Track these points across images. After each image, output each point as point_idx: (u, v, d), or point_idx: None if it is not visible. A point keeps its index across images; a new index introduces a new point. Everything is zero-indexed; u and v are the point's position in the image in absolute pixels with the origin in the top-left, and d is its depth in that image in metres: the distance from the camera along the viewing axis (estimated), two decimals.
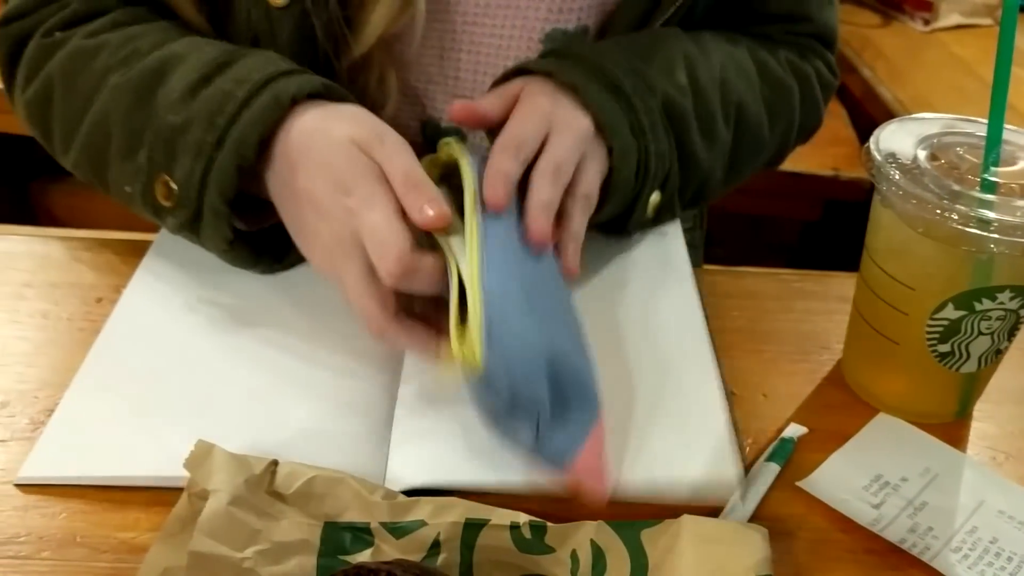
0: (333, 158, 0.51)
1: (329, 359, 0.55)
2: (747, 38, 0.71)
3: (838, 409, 0.57)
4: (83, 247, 0.65)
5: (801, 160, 1.13)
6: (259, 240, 0.59)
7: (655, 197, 0.63)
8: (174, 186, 0.54)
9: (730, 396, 0.56)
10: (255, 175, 0.55)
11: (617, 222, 0.63)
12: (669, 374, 0.55)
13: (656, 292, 0.62)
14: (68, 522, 0.46)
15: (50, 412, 0.51)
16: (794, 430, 0.54)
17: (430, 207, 0.49)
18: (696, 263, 0.66)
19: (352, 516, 0.44)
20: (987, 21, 1.49)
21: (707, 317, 0.60)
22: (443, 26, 0.64)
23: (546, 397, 0.46)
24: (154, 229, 0.66)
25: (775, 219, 1.43)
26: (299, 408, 0.52)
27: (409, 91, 0.68)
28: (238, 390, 0.53)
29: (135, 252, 0.63)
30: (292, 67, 0.55)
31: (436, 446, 0.49)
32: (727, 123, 0.66)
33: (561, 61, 0.60)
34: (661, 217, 0.66)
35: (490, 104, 0.58)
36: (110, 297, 0.60)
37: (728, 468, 0.49)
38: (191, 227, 0.55)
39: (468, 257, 0.48)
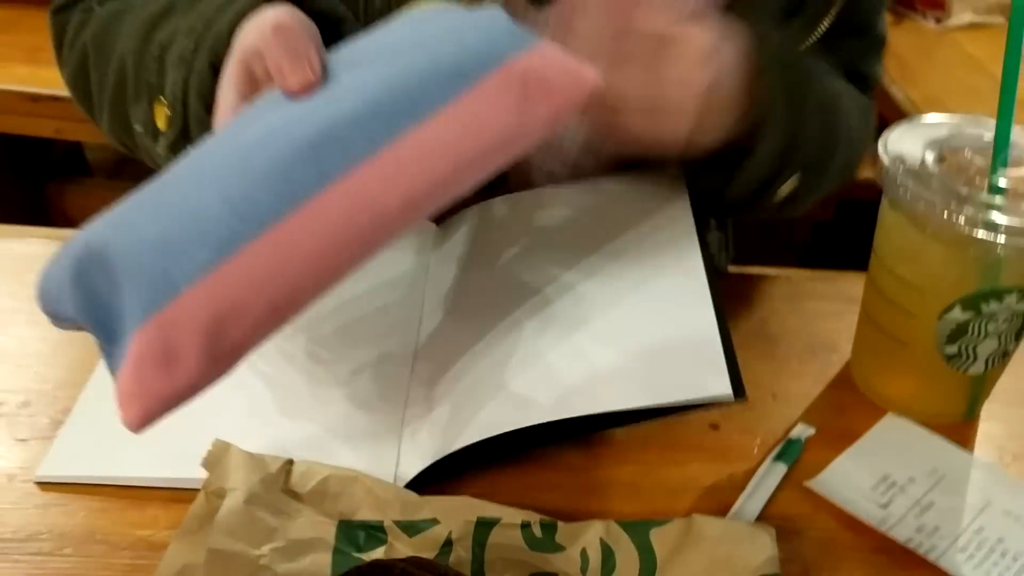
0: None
1: (343, 360, 0.56)
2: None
3: (847, 409, 0.57)
4: None
5: None
6: None
7: (791, 183, 0.60)
8: (167, 108, 0.52)
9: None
10: None
11: (749, 198, 0.61)
12: (662, 289, 0.53)
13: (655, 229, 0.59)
14: (88, 519, 0.47)
15: (68, 412, 0.52)
16: (801, 430, 0.54)
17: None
18: (722, 267, 0.66)
19: (366, 514, 0.45)
20: (1000, 20, 1.49)
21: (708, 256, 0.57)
22: None
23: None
24: None
25: (787, 221, 1.43)
26: (312, 406, 0.53)
27: None
28: (254, 391, 0.54)
29: None
30: None
31: (442, 436, 0.50)
32: (843, 126, 0.65)
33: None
34: (783, 209, 0.63)
35: None
36: None
37: (718, 367, 0.47)
38: (182, 146, 0.53)
39: None
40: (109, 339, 0.39)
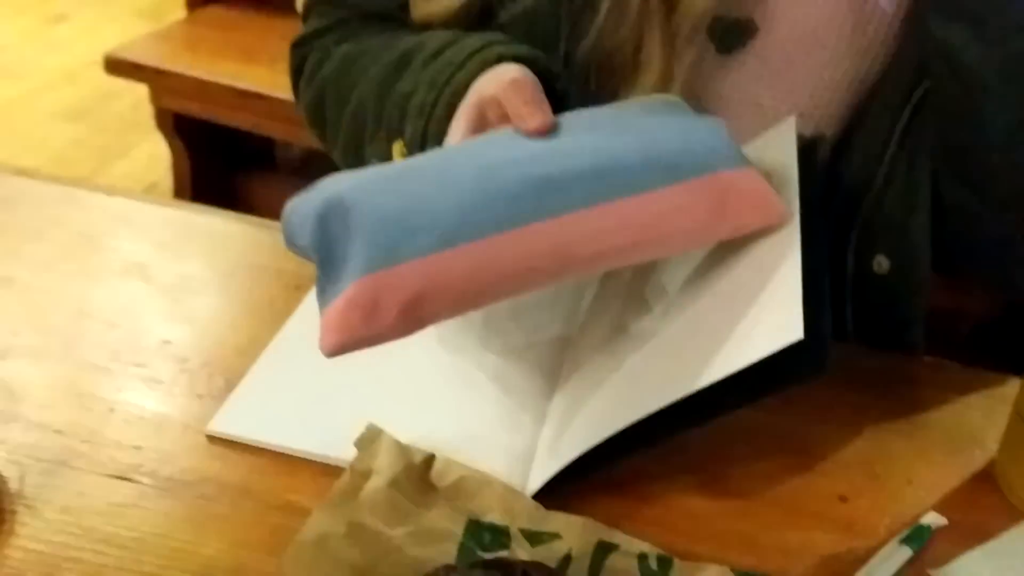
0: None
1: (496, 366, 0.60)
2: None
3: (983, 507, 0.56)
4: None
5: None
6: None
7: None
8: (404, 148, 0.60)
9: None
10: None
11: None
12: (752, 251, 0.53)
13: None
14: (246, 476, 0.52)
15: (241, 377, 0.57)
16: (933, 519, 0.53)
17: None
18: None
19: (494, 517, 0.48)
20: None
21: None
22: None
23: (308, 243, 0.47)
24: None
25: (948, 313, 1.38)
26: (461, 408, 0.56)
27: None
28: (407, 388, 0.58)
29: None
30: (512, 41, 0.60)
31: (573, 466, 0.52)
32: None
33: None
34: None
35: None
36: (306, 286, 0.66)
37: (792, 312, 0.46)
38: None
39: None
40: (328, 276, 0.46)
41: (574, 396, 0.57)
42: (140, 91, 1.85)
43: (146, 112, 1.89)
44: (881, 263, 0.63)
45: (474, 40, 0.60)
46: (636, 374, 0.53)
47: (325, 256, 0.46)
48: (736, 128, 0.65)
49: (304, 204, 0.48)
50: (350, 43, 0.70)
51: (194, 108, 1.72)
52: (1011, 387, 0.59)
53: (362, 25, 0.72)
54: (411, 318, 0.45)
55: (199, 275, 0.67)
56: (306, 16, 0.76)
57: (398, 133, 0.61)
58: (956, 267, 0.67)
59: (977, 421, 0.63)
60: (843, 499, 0.55)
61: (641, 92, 0.61)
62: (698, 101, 0.65)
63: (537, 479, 0.51)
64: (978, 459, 0.59)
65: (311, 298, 0.64)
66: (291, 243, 0.50)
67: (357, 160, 0.67)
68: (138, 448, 0.52)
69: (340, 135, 0.68)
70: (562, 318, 0.65)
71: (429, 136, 0.58)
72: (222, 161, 1.92)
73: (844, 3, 0.61)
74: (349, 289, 0.44)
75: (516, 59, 0.58)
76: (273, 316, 0.63)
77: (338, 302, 0.45)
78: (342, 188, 0.48)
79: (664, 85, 0.61)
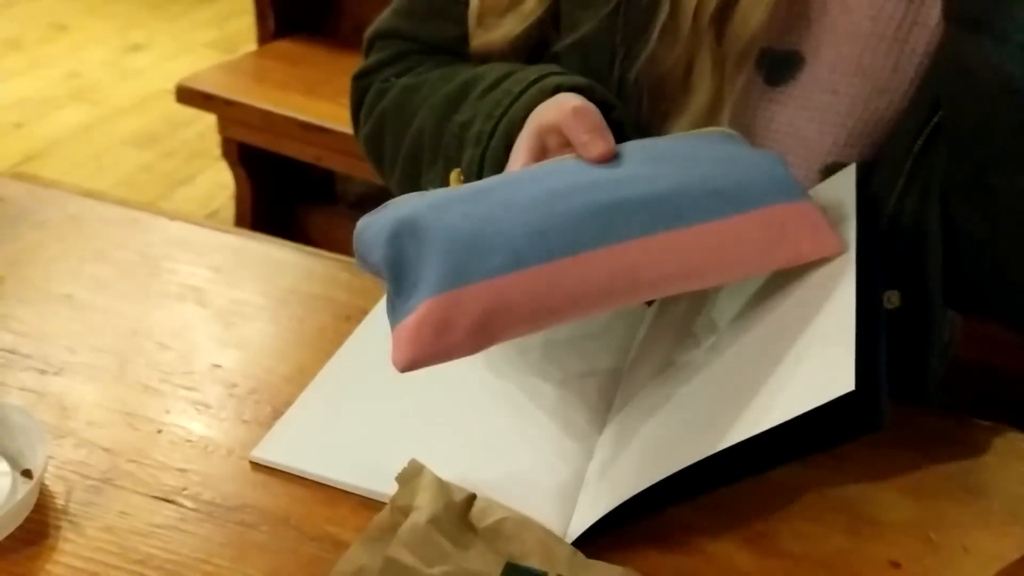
0: None
1: (542, 407, 0.59)
2: None
3: None
4: (343, 268, 0.73)
5: None
6: None
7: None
8: (461, 176, 0.61)
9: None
10: None
11: None
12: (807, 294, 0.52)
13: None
14: (287, 505, 0.51)
15: (289, 405, 0.58)
16: None
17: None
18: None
19: (533, 562, 0.47)
20: None
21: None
22: None
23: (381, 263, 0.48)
24: None
25: (1010, 373, 1.35)
26: (505, 448, 0.56)
27: None
28: (452, 424, 0.57)
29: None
30: (568, 71, 0.62)
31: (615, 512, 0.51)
32: None
33: None
34: None
35: None
36: (357, 317, 0.66)
37: (844, 362, 0.44)
38: None
39: None
40: (399, 293, 0.47)
41: (622, 434, 0.56)
42: (208, 120, 1.90)
43: (213, 141, 1.94)
44: (891, 298, 0.62)
45: (531, 71, 0.62)
46: (681, 418, 0.53)
47: (397, 274, 0.47)
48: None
49: (377, 222, 0.49)
50: (410, 76, 0.71)
51: (259, 139, 1.76)
52: None
53: (421, 58, 0.73)
54: (481, 336, 0.46)
55: (252, 301, 0.68)
56: (368, 49, 0.77)
57: (455, 162, 0.62)
58: (974, 303, 0.66)
59: None
60: (895, 565, 0.53)
61: (691, 116, 0.62)
62: (745, 131, 0.65)
63: (578, 524, 0.50)
64: None
65: (361, 329, 0.65)
66: (363, 260, 0.50)
67: (414, 189, 0.67)
68: (183, 471, 0.52)
69: (398, 165, 0.70)
70: (615, 350, 0.65)
71: (486, 164, 0.60)
72: (283, 192, 1.96)
73: (889, 33, 0.61)
74: (421, 307, 0.46)
75: (573, 89, 0.59)
76: (323, 346, 0.64)
77: (410, 319, 0.46)
78: (415, 207, 0.49)
79: (714, 110, 0.62)
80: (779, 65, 0.63)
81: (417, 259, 0.47)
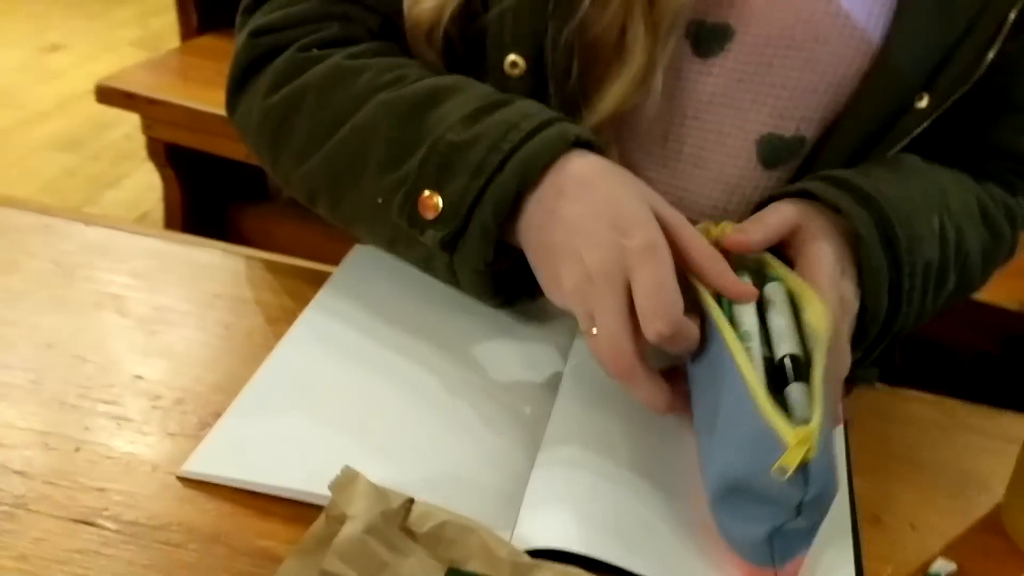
0: (620, 197, 0.53)
1: (481, 408, 0.57)
2: (966, 175, 0.70)
3: (991, 555, 0.53)
4: (271, 268, 0.70)
5: (986, 290, 1.08)
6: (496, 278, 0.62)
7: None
8: (439, 201, 0.56)
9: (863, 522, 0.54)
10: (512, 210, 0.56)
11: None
12: None
13: None
14: (216, 520, 0.49)
15: (218, 415, 0.55)
16: (942, 565, 0.51)
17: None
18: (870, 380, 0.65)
19: (475, 567, 0.45)
20: None
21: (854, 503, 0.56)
22: (670, 113, 0.66)
23: (818, 519, 0.47)
24: (335, 260, 0.71)
25: (949, 346, 1.37)
26: (444, 449, 0.54)
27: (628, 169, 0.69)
28: (390, 422, 0.55)
29: (318, 280, 0.68)
30: (568, 118, 0.58)
31: (568, 510, 0.50)
32: (955, 273, 0.65)
33: (849, 199, 0.59)
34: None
35: (761, 237, 0.58)
36: (287, 319, 0.64)
37: None
38: (449, 243, 0.57)
39: (816, 359, 0.50)
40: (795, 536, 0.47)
41: (566, 441, 0.54)
42: (134, 121, 1.84)
43: (140, 142, 1.87)
44: None
45: (527, 105, 0.58)
46: (668, 529, 0.51)
47: (814, 520, 0.47)
48: (716, 129, 0.66)
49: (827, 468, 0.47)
50: (343, 55, 0.64)
51: (186, 138, 1.70)
52: (1018, 426, 0.57)
53: (347, 29, 0.66)
54: None
55: (176, 308, 0.65)
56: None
57: (432, 183, 0.56)
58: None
59: (983, 462, 0.61)
60: None
61: (625, 82, 0.61)
62: (679, 101, 0.65)
63: (526, 528, 0.49)
64: (984, 504, 0.57)
65: (293, 332, 0.62)
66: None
67: (335, 184, 0.63)
68: (103, 490, 0.50)
69: (317, 155, 0.62)
70: (555, 348, 0.63)
71: (486, 202, 0.55)
72: (215, 191, 1.91)
73: (819, 6, 0.61)
74: (799, 560, 0.48)
75: (581, 140, 0.56)
76: (252, 351, 0.61)
77: (799, 563, 0.48)
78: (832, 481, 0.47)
79: (647, 75, 0.61)
80: (708, 37, 0.63)
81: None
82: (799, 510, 0.45)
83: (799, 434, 0.45)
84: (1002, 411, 0.67)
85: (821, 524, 0.48)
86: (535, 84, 0.62)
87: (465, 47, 0.64)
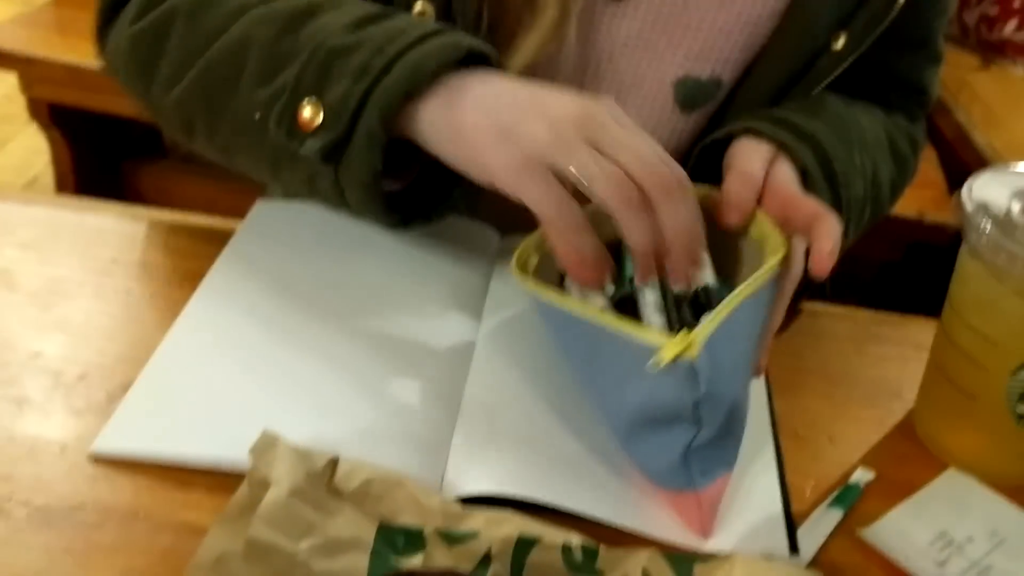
0: (555, 101, 0.50)
1: (399, 357, 0.56)
2: (878, 108, 0.72)
3: (906, 460, 0.55)
4: (171, 230, 0.67)
5: None
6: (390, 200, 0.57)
7: None
8: (320, 108, 0.52)
9: (779, 440, 0.55)
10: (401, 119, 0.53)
11: None
12: None
13: None
14: (133, 497, 0.47)
15: (126, 387, 0.53)
16: (861, 475, 0.52)
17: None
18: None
19: (407, 519, 0.45)
20: None
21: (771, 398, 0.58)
22: (585, 60, 0.65)
23: (720, 421, 0.46)
24: (239, 215, 0.68)
25: (853, 257, 1.41)
26: (364, 404, 0.53)
27: None
28: (307, 381, 0.54)
29: (221, 238, 0.65)
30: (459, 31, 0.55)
31: (496, 455, 0.50)
32: (870, 205, 0.67)
33: (795, 139, 0.59)
34: None
35: (746, 200, 0.56)
36: (192, 281, 0.61)
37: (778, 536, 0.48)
38: (333, 152, 0.53)
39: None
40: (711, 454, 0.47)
41: (501, 414, 0.54)
42: (10, 81, 1.73)
43: (19, 103, 1.77)
44: None
45: (414, 18, 0.55)
46: (593, 463, 0.51)
47: (718, 427, 0.46)
48: (633, 72, 0.65)
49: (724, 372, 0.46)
50: None
51: (69, 96, 1.61)
52: (925, 332, 0.58)
53: None
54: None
55: (71, 277, 0.61)
56: None
57: (312, 90, 0.52)
58: None
59: (894, 371, 0.62)
60: None
61: (539, 32, 0.59)
62: (595, 46, 0.64)
63: (456, 476, 0.48)
64: (897, 411, 0.59)
65: (199, 294, 0.60)
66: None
67: (208, 106, 0.58)
68: (7, 477, 0.47)
69: (189, 77, 0.58)
70: (472, 292, 0.62)
71: (371, 105, 0.51)
72: (107, 151, 1.82)
73: None
74: (723, 480, 0.48)
75: (481, 53, 0.53)
76: (157, 317, 0.59)
77: (715, 489, 0.47)
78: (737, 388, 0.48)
79: (561, 24, 0.59)
80: None
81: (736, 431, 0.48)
82: (697, 416, 0.45)
83: (675, 338, 0.45)
84: (909, 318, 0.69)
85: (737, 443, 0.48)
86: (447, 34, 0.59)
87: None
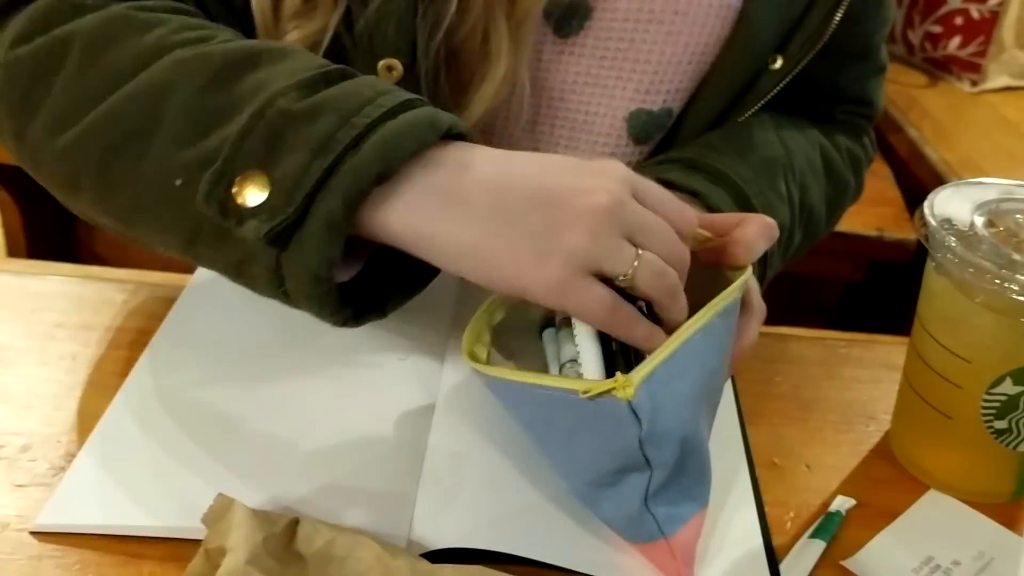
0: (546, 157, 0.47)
1: (357, 412, 0.54)
2: (815, 127, 0.73)
3: (885, 484, 0.54)
4: (117, 289, 0.65)
5: (845, 220, 1.11)
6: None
7: None
8: (268, 184, 0.43)
9: (757, 468, 0.54)
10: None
11: None
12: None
13: None
14: (82, 574, 0.44)
15: (72, 457, 0.50)
16: (842, 502, 0.51)
17: None
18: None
19: None
20: None
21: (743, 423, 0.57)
22: (536, 102, 0.64)
23: (672, 460, 0.44)
24: (191, 271, 0.66)
25: (817, 278, 1.40)
26: (323, 462, 0.51)
27: None
28: (262, 442, 0.52)
29: (171, 296, 0.63)
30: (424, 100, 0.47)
31: (463, 506, 0.48)
32: (800, 229, 0.67)
33: (710, 183, 0.60)
34: None
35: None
36: (140, 343, 0.59)
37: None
38: (278, 238, 0.43)
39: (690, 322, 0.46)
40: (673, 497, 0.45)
41: (452, 439, 0.52)
42: None
43: None
44: None
45: (375, 81, 0.47)
46: (555, 513, 0.49)
47: (669, 466, 0.44)
48: (584, 109, 0.65)
49: (669, 412, 0.43)
50: (129, 4, 0.51)
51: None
52: (896, 352, 0.57)
53: None
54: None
55: (12, 344, 0.59)
56: None
57: (256, 160, 0.43)
58: None
59: (866, 393, 0.61)
60: None
61: (493, 83, 0.59)
62: (544, 85, 0.64)
63: (423, 531, 0.46)
64: (874, 434, 0.58)
65: (148, 356, 0.57)
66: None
67: (112, 159, 0.48)
68: None
69: (88, 117, 0.48)
70: (433, 329, 0.61)
71: (334, 183, 0.42)
72: (59, 211, 1.79)
73: None
74: (696, 520, 0.46)
75: (461, 132, 0.47)
76: (104, 382, 0.56)
77: (691, 528, 0.46)
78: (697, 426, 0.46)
79: (512, 75, 0.59)
80: (567, 16, 0.62)
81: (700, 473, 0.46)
82: (645, 457, 0.43)
83: (609, 381, 0.43)
84: (878, 337, 0.68)
85: (703, 480, 0.46)
86: (405, 84, 0.57)
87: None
